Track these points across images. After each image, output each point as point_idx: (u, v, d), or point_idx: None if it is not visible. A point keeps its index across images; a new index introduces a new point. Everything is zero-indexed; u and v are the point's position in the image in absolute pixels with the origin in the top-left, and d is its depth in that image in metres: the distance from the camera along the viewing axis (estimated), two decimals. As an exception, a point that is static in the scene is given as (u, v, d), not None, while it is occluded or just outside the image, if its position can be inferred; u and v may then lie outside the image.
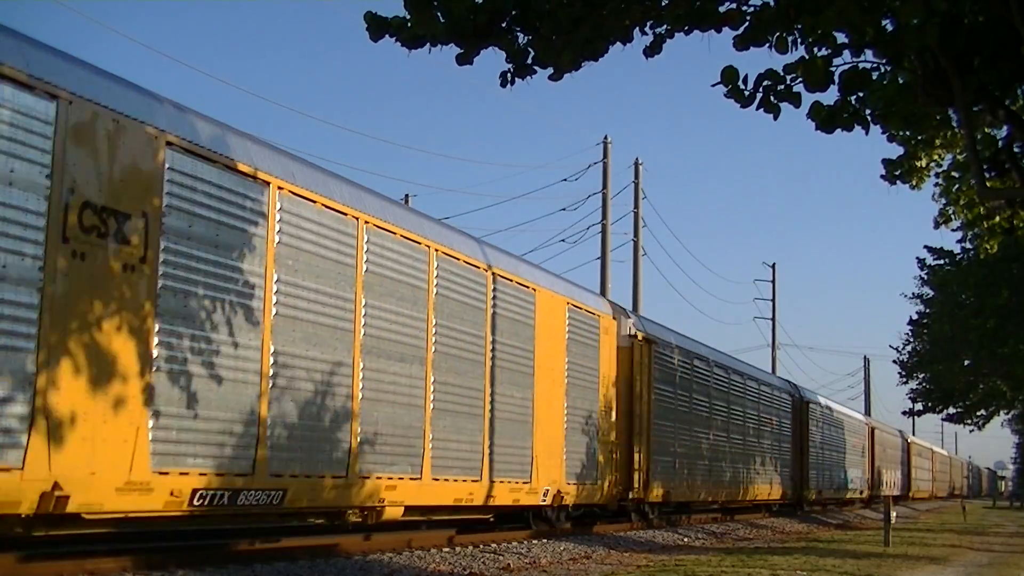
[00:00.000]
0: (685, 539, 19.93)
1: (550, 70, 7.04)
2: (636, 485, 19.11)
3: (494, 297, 14.57)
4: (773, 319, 52.47)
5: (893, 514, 20.38)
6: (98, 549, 9.78)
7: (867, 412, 63.79)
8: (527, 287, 15.67)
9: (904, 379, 41.29)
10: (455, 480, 13.39)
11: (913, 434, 69.09)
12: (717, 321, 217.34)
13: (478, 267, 14.15)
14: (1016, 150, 9.19)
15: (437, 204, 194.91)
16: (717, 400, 24.57)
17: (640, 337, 19.66)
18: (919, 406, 43.28)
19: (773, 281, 52.71)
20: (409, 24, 6.72)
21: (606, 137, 33.01)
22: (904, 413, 47.28)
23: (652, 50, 7.01)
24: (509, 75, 7.04)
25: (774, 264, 52.92)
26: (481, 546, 14.18)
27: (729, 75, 6.94)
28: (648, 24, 6.92)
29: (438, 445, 12.95)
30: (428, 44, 6.79)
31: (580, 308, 17.48)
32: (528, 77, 7.01)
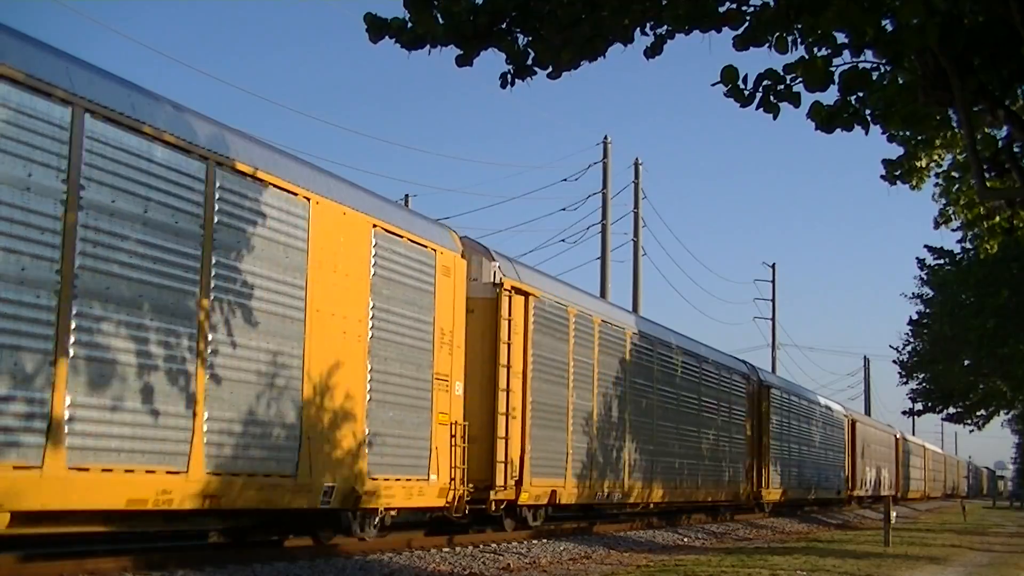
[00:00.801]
0: (685, 539, 19.93)
1: (549, 69, 7.05)
2: (501, 482, 14.61)
3: (221, 200, 9.97)
4: (773, 319, 52.53)
5: (893, 514, 20.38)
6: (98, 549, 9.79)
7: (867, 412, 63.78)
8: (294, 193, 10.97)
9: (904, 379, 41.32)
10: (125, 471, 8.75)
11: (913, 434, 68.62)
12: (717, 321, 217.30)
13: (188, 151, 9.57)
14: (1016, 150, 9.19)
15: (437, 204, 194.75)
16: (638, 378, 20.11)
17: (508, 286, 15.10)
18: (919, 406, 43.34)
19: (773, 281, 52.77)
20: (409, 25, 6.73)
21: (606, 137, 33.09)
22: (904, 413, 47.32)
23: (653, 51, 7.02)
24: (509, 76, 7.05)
25: (774, 264, 52.99)
26: (481, 546, 14.18)
27: (729, 75, 6.94)
28: (648, 24, 6.93)
29: (87, 415, 8.45)
30: (428, 45, 6.80)
31: (398, 235, 12.76)
32: (528, 78, 7.02)
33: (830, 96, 7.50)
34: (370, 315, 12.23)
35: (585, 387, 17.76)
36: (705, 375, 24.30)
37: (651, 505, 21.58)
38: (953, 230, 13.86)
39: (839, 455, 38.39)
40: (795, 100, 7.07)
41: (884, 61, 7.99)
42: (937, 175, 12.16)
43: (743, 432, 26.75)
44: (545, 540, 15.89)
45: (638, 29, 6.95)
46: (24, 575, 8.72)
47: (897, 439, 53.61)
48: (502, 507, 15.22)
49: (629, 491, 19.54)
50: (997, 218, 11.79)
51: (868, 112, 8.32)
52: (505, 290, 15.09)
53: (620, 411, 19.24)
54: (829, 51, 6.99)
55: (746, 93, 7.00)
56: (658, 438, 21.09)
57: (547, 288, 16.78)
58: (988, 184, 9.16)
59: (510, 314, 15.10)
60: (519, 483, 15.17)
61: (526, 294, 15.68)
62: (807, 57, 6.88)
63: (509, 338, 15.01)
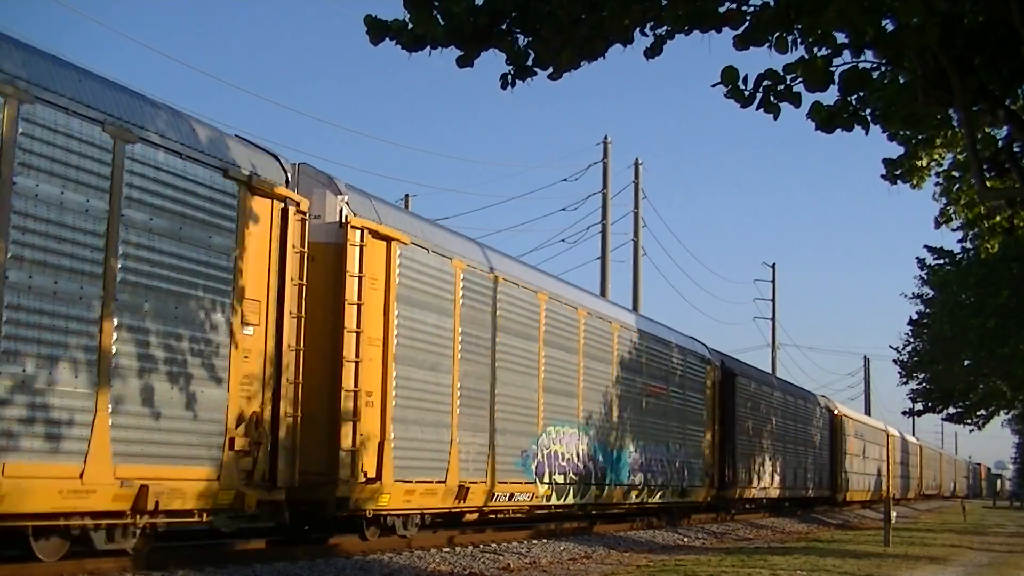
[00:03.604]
0: (685, 539, 19.92)
1: (550, 69, 7.05)
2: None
3: None
4: (773, 319, 52.48)
5: (893, 514, 20.40)
6: (98, 549, 9.76)
7: (867, 412, 63.49)
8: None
9: (904, 379, 41.25)
10: None
11: (913, 434, 67.43)
12: (717, 321, 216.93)
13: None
14: (1016, 150, 9.21)
15: (437, 204, 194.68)
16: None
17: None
18: (919, 406, 43.26)
19: (773, 281, 52.72)
20: (409, 27, 6.73)
21: (606, 137, 33.10)
22: (904, 413, 47.22)
23: (652, 51, 7.02)
24: (509, 77, 7.05)
25: (774, 264, 52.88)
26: (481, 546, 14.17)
27: (729, 75, 6.93)
28: (648, 24, 6.93)
29: None
30: (428, 46, 6.80)
31: None
32: (528, 79, 7.02)
33: (830, 96, 7.51)
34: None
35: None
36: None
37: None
38: (953, 230, 13.92)
39: (703, 432, 23.42)
40: (795, 100, 7.06)
41: (884, 61, 8.00)
42: (937, 174, 12.18)
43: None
44: (545, 540, 15.89)
45: (637, 29, 6.95)
46: (24, 575, 8.71)
47: (835, 415, 38.60)
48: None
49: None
50: (997, 218, 11.81)
51: (868, 112, 8.33)
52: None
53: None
54: (829, 51, 6.99)
55: (746, 93, 7.00)
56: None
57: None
58: (988, 184, 9.17)
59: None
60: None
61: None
62: (807, 57, 6.87)
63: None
